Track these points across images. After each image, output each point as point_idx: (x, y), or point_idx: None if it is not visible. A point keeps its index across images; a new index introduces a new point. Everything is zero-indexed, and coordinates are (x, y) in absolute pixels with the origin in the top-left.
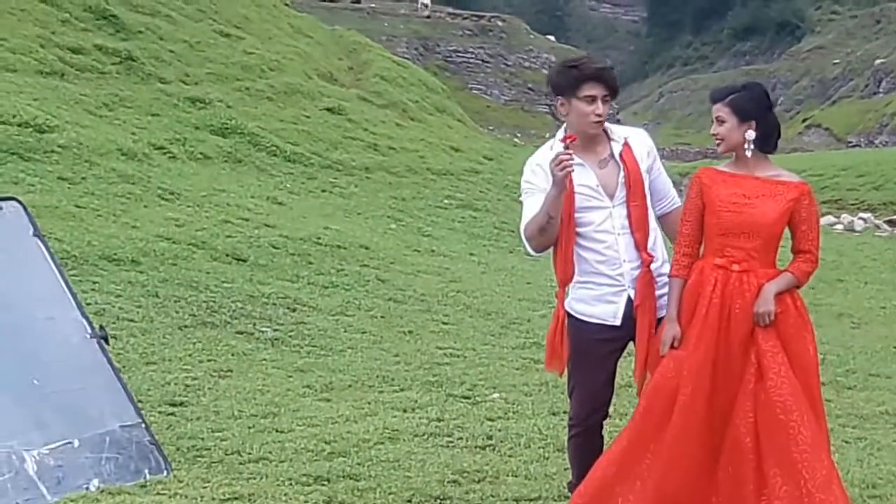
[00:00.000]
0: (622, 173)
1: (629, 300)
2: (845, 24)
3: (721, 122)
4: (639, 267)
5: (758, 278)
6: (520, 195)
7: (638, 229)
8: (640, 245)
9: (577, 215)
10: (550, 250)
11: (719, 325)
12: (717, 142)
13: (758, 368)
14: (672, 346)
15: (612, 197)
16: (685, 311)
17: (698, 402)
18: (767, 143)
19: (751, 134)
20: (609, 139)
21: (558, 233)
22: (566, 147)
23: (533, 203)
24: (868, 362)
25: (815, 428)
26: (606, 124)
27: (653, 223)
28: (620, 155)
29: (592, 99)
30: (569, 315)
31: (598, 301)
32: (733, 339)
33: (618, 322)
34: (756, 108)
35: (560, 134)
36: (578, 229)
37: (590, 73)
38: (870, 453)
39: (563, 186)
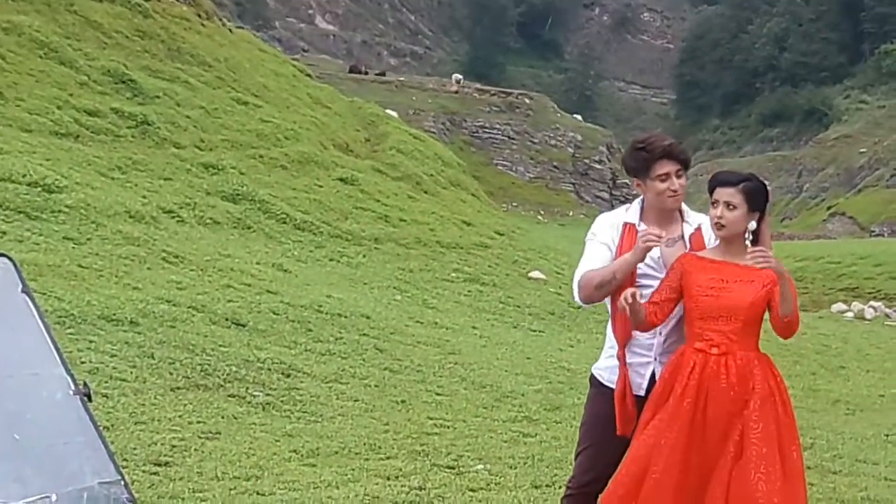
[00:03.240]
0: None
1: (653, 374)
2: (873, 114)
3: (732, 207)
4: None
5: (736, 361)
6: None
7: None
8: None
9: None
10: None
11: (695, 408)
12: (719, 226)
13: (734, 456)
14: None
15: None
16: (662, 389)
17: (667, 482)
18: (758, 237)
19: (753, 224)
20: (683, 220)
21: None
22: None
23: (591, 252)
24: (857, 448)
25: None
26: (683, 206)
27: None
28: (690, 237)
29: (666, 176)
30: (594, 380)
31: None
32: (709, 421)
33: (642, 392)
34: (764, 199)
35: (636, 204)
36: None
37: (659, 153)
38: None
39: (640, 258)
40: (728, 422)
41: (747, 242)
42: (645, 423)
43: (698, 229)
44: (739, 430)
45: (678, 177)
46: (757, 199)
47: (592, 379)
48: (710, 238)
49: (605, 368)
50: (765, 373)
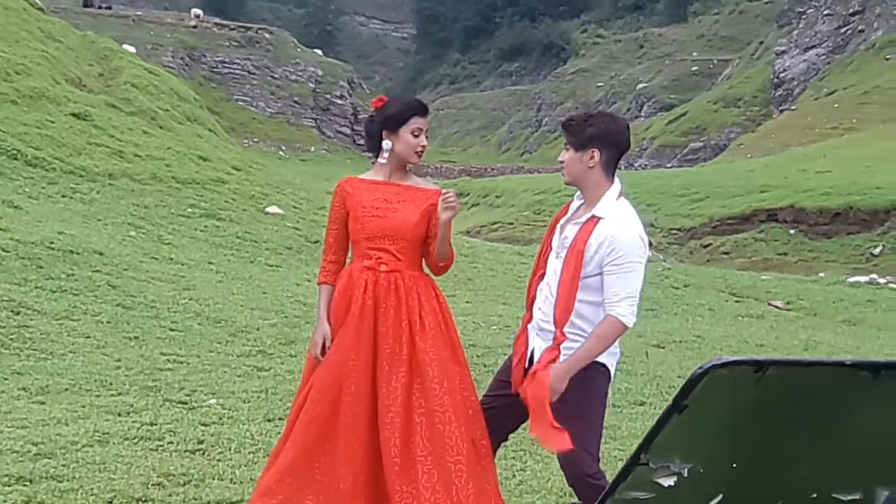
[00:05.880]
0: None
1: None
2: (609, 48)
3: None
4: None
5: (404, 279)
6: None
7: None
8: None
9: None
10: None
11: (375, 324)
12: (421, 154)
13: (407, 375)
14: (323, 348)
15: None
16: (337, 312)
17: (363, 401)
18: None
19: (387, 144)
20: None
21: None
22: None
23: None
24: None
25: (470, 447)
26: (609, 195)
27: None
28: (583, 223)
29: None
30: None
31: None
32: (380, 336)
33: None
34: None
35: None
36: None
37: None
38: None
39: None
40: (397, 339)
41: (381, 159)
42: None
43: (592, 218)
44: (408, 348)
45: (565, 150)
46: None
47: None
48: (605, 239)
49: None
50: (429, 294)
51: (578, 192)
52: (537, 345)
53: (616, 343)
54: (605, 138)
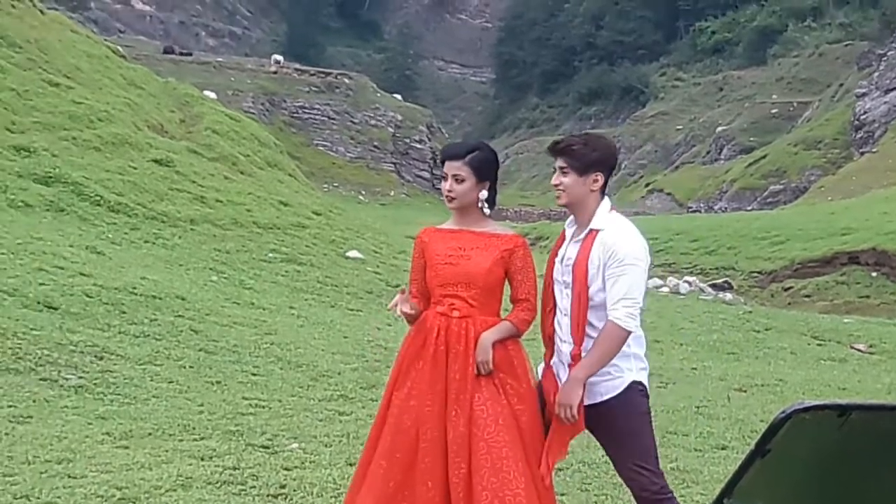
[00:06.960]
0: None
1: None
2: (689, 91)
3: (460, 180)
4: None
5: (476, 325)
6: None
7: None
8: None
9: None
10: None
11: (447, 369)
12: (450, 199)
13: (471, 415)
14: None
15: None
16: (412, 345)
17: (439, 446)
18: (494, 201)
19: (484, 193)
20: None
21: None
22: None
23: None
24: (668, 420)
25: (529, 481)
26: (603, 206)
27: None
28: (582, 239)
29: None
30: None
31: None
32: (454, 380)
33: None
34: (492, 168)
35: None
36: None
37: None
38: None
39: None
40: (463, 382)
41: (485, 211)
42: (398, 389)
43: (591, 233)
44: (471, 392)
45: (563, 174)
46: (484, 169)
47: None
48: (604, 247)
49: None
50: (503, 341)
51: (570, 220)
52: (565, 378)
53: (643, 357)
54: (606, 162)
